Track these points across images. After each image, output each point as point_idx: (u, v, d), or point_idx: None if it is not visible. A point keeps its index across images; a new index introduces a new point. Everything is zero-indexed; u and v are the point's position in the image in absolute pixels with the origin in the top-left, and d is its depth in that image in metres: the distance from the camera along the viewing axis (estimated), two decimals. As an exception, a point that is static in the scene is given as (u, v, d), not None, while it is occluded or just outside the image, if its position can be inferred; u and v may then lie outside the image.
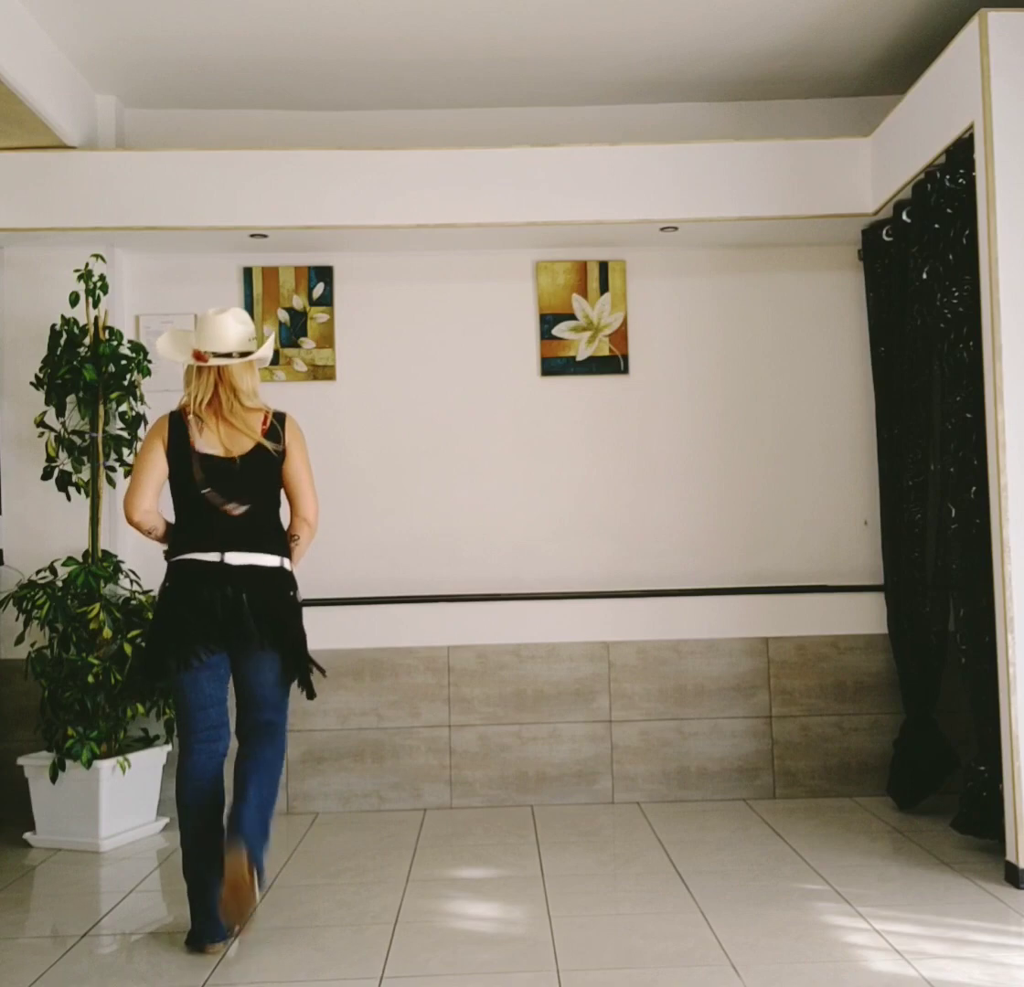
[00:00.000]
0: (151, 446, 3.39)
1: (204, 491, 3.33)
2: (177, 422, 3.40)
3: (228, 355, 3.39)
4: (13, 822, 4.55)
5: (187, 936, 3.27)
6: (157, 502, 3.42)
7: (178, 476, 3.38)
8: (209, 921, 3.21)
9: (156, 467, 3.38)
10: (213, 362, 3.38)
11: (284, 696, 3.45)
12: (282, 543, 3.47)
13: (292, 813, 4.83)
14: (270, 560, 3.40)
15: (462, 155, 4.75)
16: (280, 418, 3.49)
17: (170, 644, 3.31)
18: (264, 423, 3.43)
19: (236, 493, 3.36)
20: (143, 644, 3.52)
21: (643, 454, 5.08)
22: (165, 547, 3.46)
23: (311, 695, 3.50)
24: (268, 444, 3.41)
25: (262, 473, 3.42)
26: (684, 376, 5.11)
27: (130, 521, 3.41)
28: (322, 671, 3.53)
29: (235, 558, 3.33)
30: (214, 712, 3.37)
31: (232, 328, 3.39)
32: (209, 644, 3.32)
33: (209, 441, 3.36)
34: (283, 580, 3.44)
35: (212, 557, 3.33)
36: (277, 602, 3.40)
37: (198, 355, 3.38)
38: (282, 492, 3.52)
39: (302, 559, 3.60)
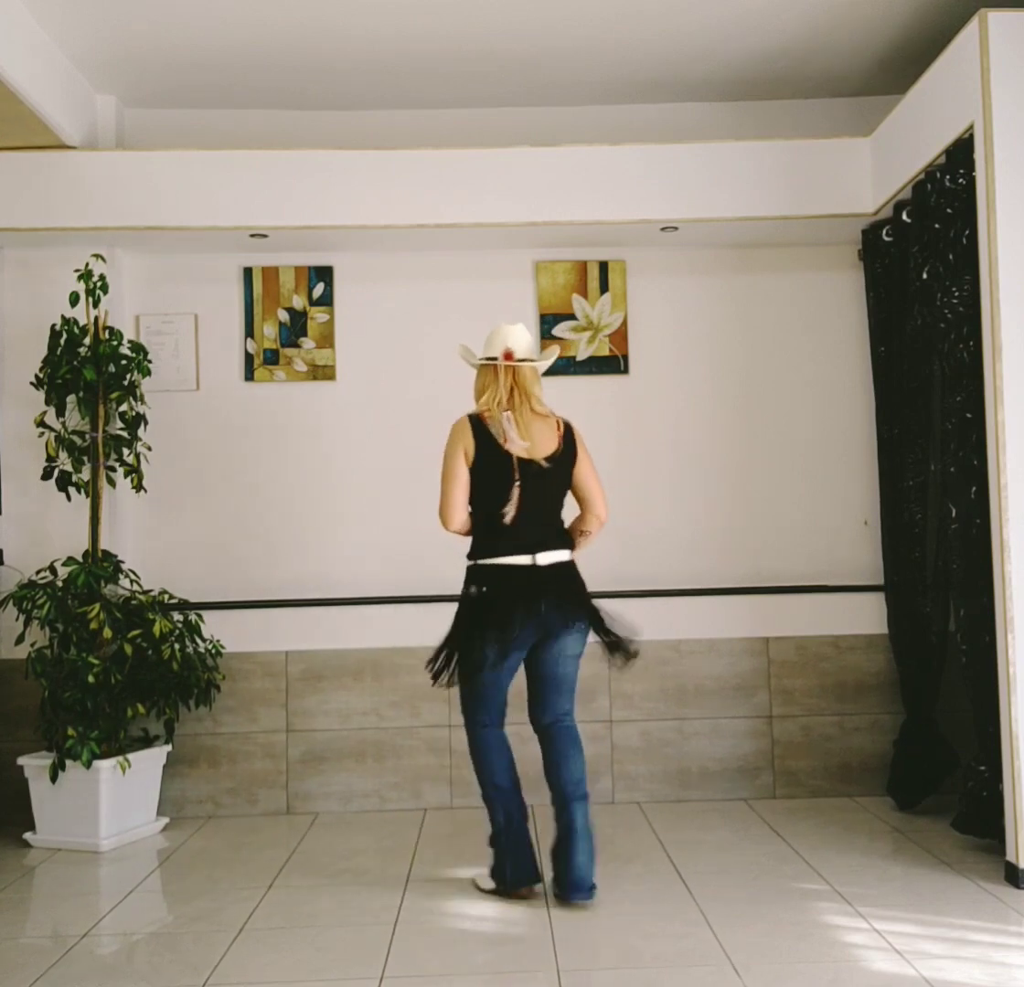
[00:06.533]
0: (454, 454, 3.60)
1: (515, 491, 3.54)
2: (479, 425, 3.60)
3: (522, 359, 3.65)
4: (13, 822, 4.55)
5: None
6: (466, 510, 3.64)
7: (487, 478, 3.57)
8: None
9: (462, 478, 3.60)
10: (511, 363, 3.62)
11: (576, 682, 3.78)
12: (570, 539, 3.72)
13: (292, 813, 4.83)
14: (566, 555, 3.67)
15: (462, 155, 4.75)
16: (570, 426, 3.72)
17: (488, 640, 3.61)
18: (559, 429, 3.67)
19: (544, 494, 3.60)
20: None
21: (643, 454, 5.07)
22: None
23: (627, 657, 3.72)
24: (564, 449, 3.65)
25: (561, 476, 3.65)
26: (684, 376, 5.11)
27: (447, 530, 3.67)
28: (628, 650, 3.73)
29: (545, 558, 3.58)
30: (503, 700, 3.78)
31: (525, 336, 3.67)
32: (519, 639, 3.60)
33: (518, 444, 3.56)
34: (576, 571, 3.71)
35: (524, 559, 3.56)
36: (579, 588, 3.68)
37: (508, 354, 3.62)
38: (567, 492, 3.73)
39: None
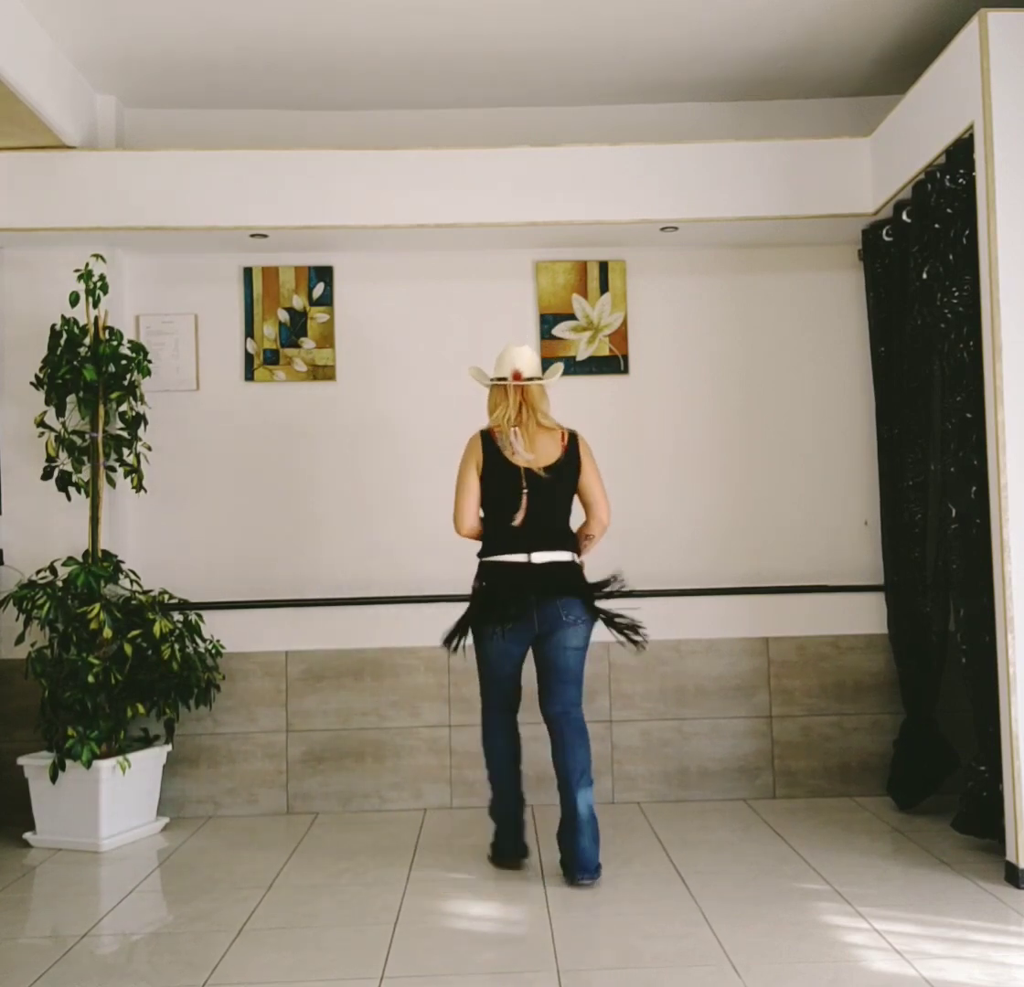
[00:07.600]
0: (466, 467, 3.94)
1: (523, 498, 3.86)
2: (488, 440, 3.92)
3: (530, 378, 3.95)
4: (13, 822, 4.55)
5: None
6: (477, 516, 3.95)
7: (494, 487, 3.89)
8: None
9: (472, 488, 3.93)
10: (520, 383, 3.91)
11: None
12: (574, 542, 3.96)
13: (292, 813, 4.83)
14: (565, 556, 3.90)
15: (462, 155, 4.75)
16: (574, 436, 3.97)
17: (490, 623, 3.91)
18: (563, 440, 3.94)
19: (545, 500, 3.87)
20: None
21: (643, 454, 5.07)
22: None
23: (637, 642, 3.99)
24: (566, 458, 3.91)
25: (563, 484, 3.92)
26: (684, 376, 5.11)
27: (459, 535, 3.98)
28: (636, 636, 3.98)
29: (540, 556, 3.84)
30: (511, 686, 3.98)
31: (533, 356, 3.97)
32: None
33: (523, 456, 3.88)
34: (578, 571, 3.94)
35: (520, 558, 3.84)
36: (576, 583, 3.90)
37: (517, 375, 3.92)
38: (573, 499, 4.00)
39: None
